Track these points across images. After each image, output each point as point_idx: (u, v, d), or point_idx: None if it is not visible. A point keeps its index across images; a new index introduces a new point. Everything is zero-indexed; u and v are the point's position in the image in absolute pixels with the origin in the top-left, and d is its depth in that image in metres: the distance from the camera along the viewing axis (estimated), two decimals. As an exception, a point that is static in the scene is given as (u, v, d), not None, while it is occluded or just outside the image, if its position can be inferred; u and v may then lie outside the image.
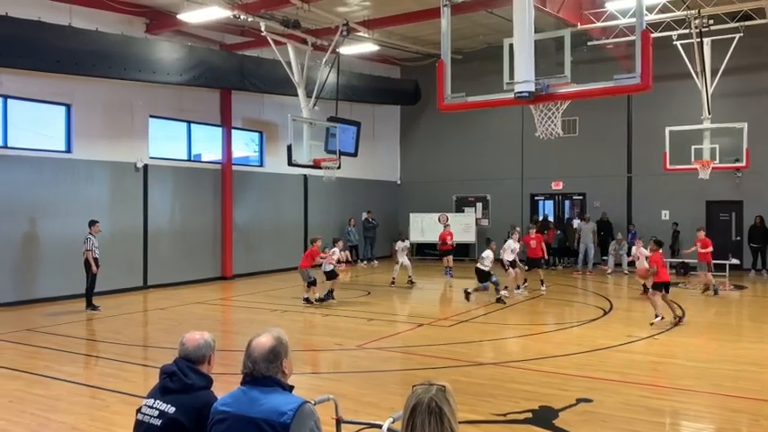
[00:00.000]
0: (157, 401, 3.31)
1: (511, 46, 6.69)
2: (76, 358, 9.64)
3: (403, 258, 17.52)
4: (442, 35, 7.14)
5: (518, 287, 16.17)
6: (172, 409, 3.24)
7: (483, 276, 14.31)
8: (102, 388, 7.86)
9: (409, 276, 17.54)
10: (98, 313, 13.25)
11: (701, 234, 15.79)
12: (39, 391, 7.78)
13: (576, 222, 21.52)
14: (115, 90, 15.99)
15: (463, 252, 23.97)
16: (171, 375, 3.34)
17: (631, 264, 19.98)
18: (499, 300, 14.28)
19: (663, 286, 11.74)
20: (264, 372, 2.89)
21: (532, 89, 6.34)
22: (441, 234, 19.66)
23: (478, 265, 14.52)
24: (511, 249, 15.66)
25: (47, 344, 10.45)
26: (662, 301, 11.72)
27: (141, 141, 16.86)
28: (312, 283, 14.18)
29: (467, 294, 14.22)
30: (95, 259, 13.47)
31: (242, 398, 2.91)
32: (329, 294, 14.42)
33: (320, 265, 14.37)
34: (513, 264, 15.69)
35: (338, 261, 14.75)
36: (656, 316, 11.51)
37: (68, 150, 15.38)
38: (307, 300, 14.24)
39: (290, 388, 2.97)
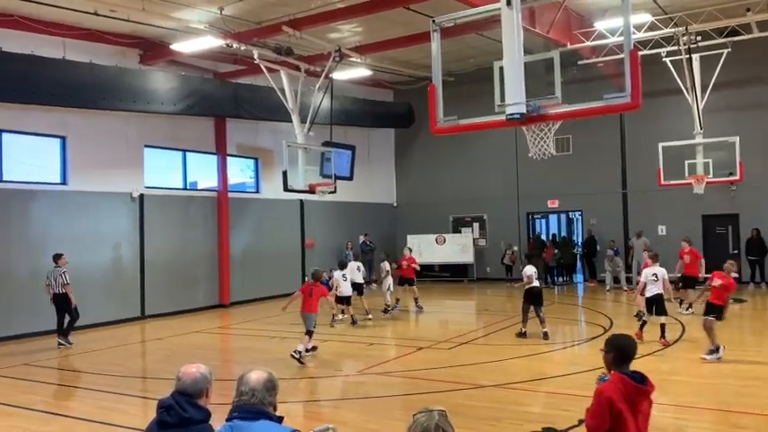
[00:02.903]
0: None
1: (501, 68, 6.74)
2: (74, 392, 9.55)
3: (386, 282, 16.57)
4: (432, 59, 7.20)
5: (367, 312, 15.18)
6: None
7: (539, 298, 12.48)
8: (101, 422, 7.76)
9: (384, 301, 16.44)
10: (96, 345, 13.12)
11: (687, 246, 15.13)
12: (36, 426, 7.68)
13: (632, 240, 20.87)
14: (110, 121, 16.05)
15: (462, 273, 23.94)
16: (168, 409, 3.30)
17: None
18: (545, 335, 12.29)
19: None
20: (263, 398, 2.88)
21: (523, 111, 6.38)
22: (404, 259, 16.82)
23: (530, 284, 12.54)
24: (357, 268, 15.39)
25: (43, 378, 10.34)
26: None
27: (136, 171, 16.88)
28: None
29: (545, 335, 12.25)
30: None
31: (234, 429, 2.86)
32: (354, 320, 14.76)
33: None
34: (357, 288, 15.30)
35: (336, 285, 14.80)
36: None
37: (64, 182, 15.39)
38: (301, 353, 10.70)
39: (280, 419, 2.95)
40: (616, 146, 21.90)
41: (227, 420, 2.92)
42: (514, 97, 6.42)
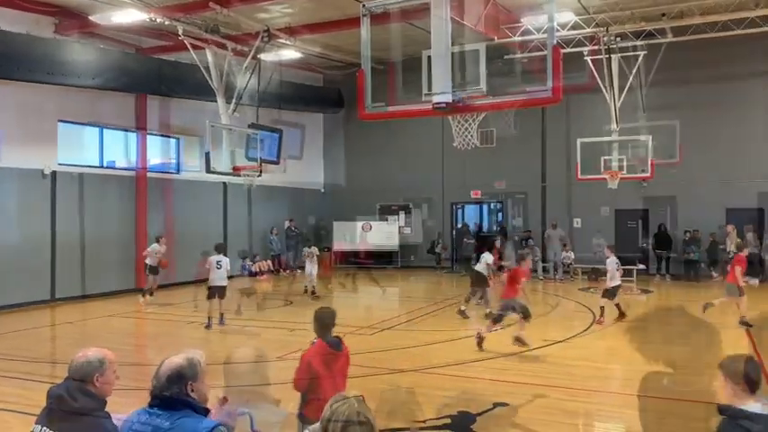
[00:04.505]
0: (44, 429, 3.11)
1: (429, 58, 6.80)
2: (-26, 378, 9.01)
3: (311, 267, 16.44)
4: (361, 44, 7.17)
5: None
6: None
7: (480, 281, 13.40)
8: (4, 409, 7.38)
9: (310, 287, 16.36)
10: (2, 329, 12.40)
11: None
12: (-70, 414, 7.21)
13: (547, 231, 21.49)
14: (21, 92, 15.11)
15: (386, 260, 24.14)
16: (58, 399, 3.15)
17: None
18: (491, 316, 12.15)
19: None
20: (164, 390, 2.76)
21: (449, 100, 6.47)
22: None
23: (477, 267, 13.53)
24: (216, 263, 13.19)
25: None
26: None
27: (49, 147, 16.00)
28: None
29: (462, 312, 13.14)
30: None
31: (149, 423, 2.76)
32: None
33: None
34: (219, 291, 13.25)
35: (259, 271, 14.43)
36: None
37: (-33, 156, 14.44)
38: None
39: (205, 411, 2.86)
40: (537, 141, 22.56)
41: (150, 406, 2.80)
42: (441, 87, 6.50)
